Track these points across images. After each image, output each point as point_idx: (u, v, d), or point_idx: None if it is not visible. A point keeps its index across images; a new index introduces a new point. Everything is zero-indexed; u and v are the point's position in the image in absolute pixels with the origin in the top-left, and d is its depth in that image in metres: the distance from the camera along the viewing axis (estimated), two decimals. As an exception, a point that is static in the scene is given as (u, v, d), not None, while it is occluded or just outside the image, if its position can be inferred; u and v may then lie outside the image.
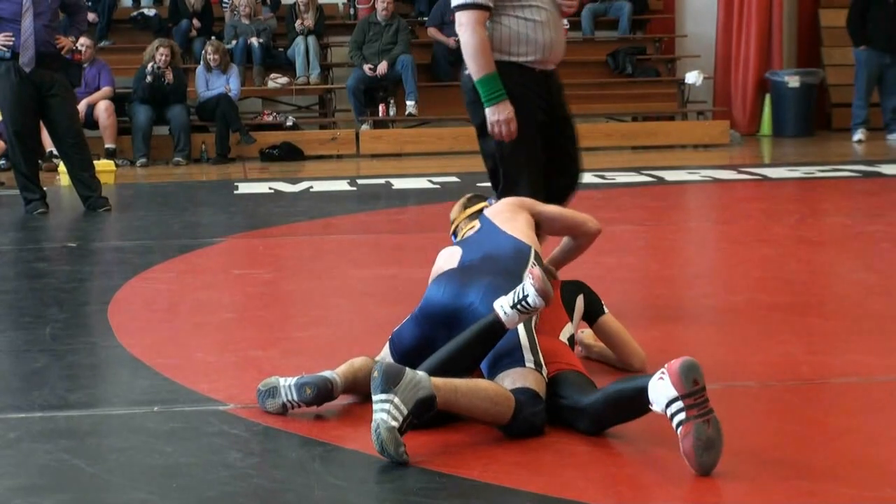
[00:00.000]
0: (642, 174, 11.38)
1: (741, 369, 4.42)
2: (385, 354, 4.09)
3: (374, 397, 3.44)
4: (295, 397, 3.87)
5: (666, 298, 5.85)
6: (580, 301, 4.29)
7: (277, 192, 10.59)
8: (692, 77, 14.87)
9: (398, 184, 11.10)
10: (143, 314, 5.71)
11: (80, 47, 9.51)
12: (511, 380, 3.67)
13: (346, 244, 7.91)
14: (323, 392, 3.87)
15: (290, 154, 13.64)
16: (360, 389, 3.96)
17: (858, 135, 14.42)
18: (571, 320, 4.20)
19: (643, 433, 3.67)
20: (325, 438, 3.66)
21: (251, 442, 3.68)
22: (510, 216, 4.40)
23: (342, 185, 11.06)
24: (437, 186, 10.78)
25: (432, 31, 14.89)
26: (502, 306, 3.69)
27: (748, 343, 4.91)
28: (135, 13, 15.35)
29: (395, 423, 3.39)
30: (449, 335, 3.84)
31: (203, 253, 7.43)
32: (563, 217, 4.62)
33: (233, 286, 6.44)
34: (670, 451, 3.48)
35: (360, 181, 11.40)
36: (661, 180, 10.96)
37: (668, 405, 3.32)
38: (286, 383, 3.90)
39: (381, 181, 11.35)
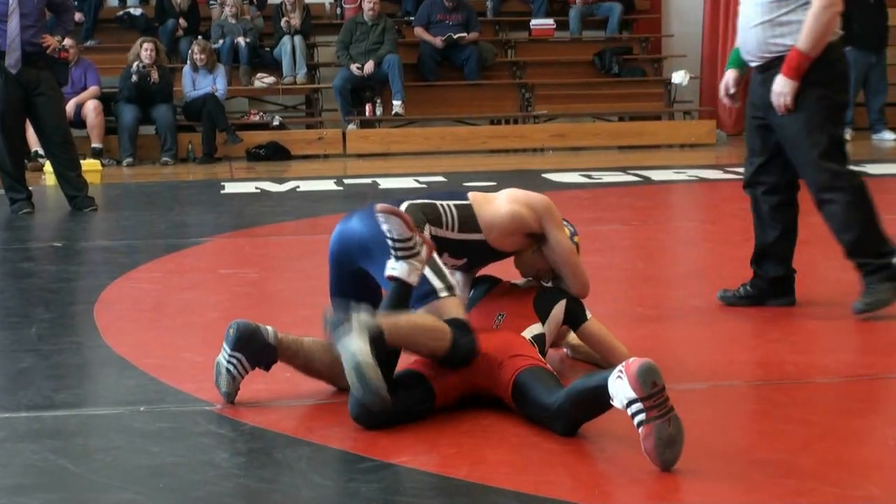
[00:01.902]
0: (629, 174, 11.40)
1: (727, 368, 4.43)
2: None
3: (336, 340, 3.59)
4: (227, 348, 3.98)
5: (652, 298, 5.86)
6: (559, 307, 4.26)
7: (264, 192, 10.58)
8: (678, 77, 14.89)
9: (385, 183, 11.10)
10: (129, 314, 5.70)
11: (65, 46, 9.47)
12: (438, 311, 3.84)
13: (333, 244, 7.90)
14: (245, 334, 4.00)
15: (276, 154, 13.63)
16: (310, 366, 4.09)
17: (844, 135, 14.43)
18: (542, 322, 4.19)
19: (628, 433, 3.68)
20: (312, 438, 3.66)
21: (238, 442, 3.68)
22: (494, 198, 4.31)
23: (329, 185, 11.06)
24: (424, 186, 10.78)
25: (419, 31, 14.89)
26: (390, 265, 3.80)
27: (734, 342, 4.93)
28: (121, 13, 15.33)
29: (370, 359, 3.53)
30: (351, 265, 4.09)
31: (190, 252, 7.42)
32: (564, 263, 4.33)
33: (219, 286, 6.44)
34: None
35: (346, 181, 11.40)
36: (647, 180, 10.98)
37: (627, 405, 3.35)
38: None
39: (368, 181, 11.35)
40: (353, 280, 4.16)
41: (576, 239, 4.40)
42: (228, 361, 4.00)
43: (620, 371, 3.37)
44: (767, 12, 5.10)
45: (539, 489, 3.24)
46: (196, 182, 12.01)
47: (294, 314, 5.57)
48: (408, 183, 11.00)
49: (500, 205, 4.26)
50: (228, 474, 3.38)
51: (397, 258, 3.82)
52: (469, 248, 4.25)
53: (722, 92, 5.50)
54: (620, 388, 3.36)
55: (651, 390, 3.30)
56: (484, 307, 4.26)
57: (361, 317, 3.62)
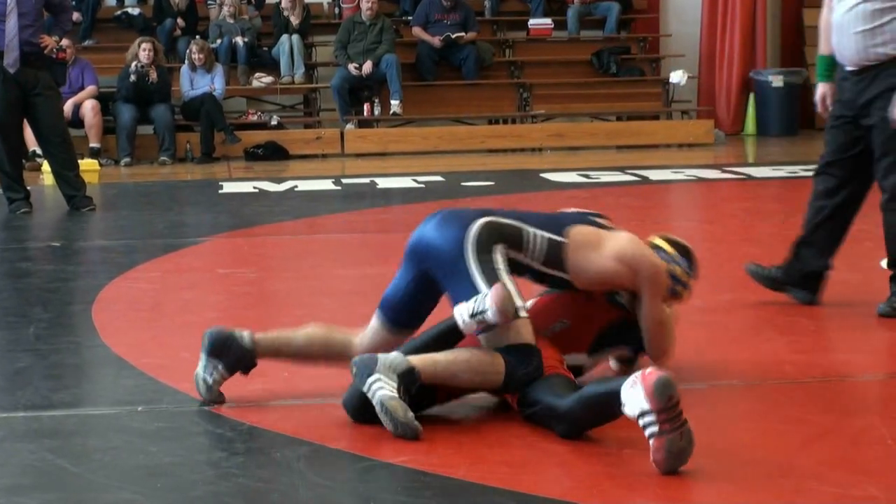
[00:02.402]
0: (627, 173, 11.39)
1: (726, 368, 4.43)
2: (372, 325, 4.07)
3: (363, 386, 3.60)
4: (203, 357, 3.98)
5: (651, 297, 5.85)
6: (617, 352, 4.16)
7: (262, 192, 10.58)
8: (676, 76, 14.88)
9: (383, 183, 11.10)
10: (127, 314, 5.70)
11: (63, 46, 9.46)
12: (498, 336, 3.71)
13: (331, 243, 7.91)
14: (219, 341, 3.98)
15: (274, 153, 13.62)
16: (302, 355, 4.08)
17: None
18: (590, 354, 4.06)
19: (628, 433, 3.67)
20: (310, 438, 3.66)
21: (236, 441, 3.68)
22: (597, 245, 3.95)
23: (327, 185, 11.05)
24: (422, 186, 10.78)
25: (417, 31, 14.89)
26: (462, 314, 3.69)
27: (733, 342, 4.92)
28: (119, 12, 15.31)
29: (394, 394, 3.55)
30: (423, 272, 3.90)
31: (188, 252, 7.42)
32: (650, 331, 4.07)
33: (217, 286, 6.44)
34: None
35: (344, 180, 11.39)
36: (645, 179, 10.97)
37: (640, 416, 3.32)
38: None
39: (366, 180, 11.34)
40: (420, 279, 3.95)
41: (679, 288, 4.12)
42: (205, 370, 4.00)
43: (636, 380, 3.33)
44: (867, 20, 5.10)
45: (537, 489, 3.24)
46: (194, 182, 12.00)
47: (292, 314, 5.57)
48: (406, 183, 11.00)
49: (602, 257, 3.92)
50: (227, 474, 3.38)
51: (471, 317, 3.66)
52: (550, 280, 4.02)
53: (820, 107, 5.46)
54: (635, 397, 3.32)
55: (667, 404, 3.27)
56: (554, 304, 4.08)
57: (389, 357, 3.64)
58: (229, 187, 11.03)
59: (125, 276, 6.57)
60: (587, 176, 11.16)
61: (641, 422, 3.32)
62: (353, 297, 5.97)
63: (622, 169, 11.75)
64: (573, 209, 4.26)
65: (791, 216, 8.67)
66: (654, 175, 11.25)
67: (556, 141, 14.41)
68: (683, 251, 4.14)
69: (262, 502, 3.20)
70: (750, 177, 11.09)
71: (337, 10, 15.79)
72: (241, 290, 6.22)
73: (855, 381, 4.22)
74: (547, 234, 3.92)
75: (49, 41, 9.17)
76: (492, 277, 3.73)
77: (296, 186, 10.85)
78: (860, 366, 4.48)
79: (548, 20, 15.69)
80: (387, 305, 4.04)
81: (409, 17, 15.28)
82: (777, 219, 8.57)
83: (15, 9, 8.92)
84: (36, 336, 5.11)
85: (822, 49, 5.44)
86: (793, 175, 11.08)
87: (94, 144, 13.20)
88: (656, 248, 4.10)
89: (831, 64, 5.38)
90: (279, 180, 11.30)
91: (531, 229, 3.92)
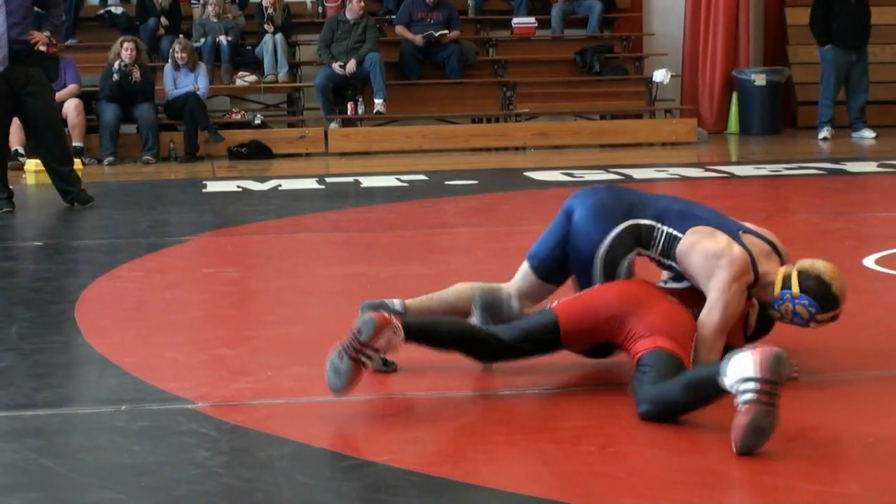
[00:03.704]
0: (610, 172, 11.41)
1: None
2: (522, 270, 4.46)
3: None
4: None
5: (634, 296, 5.86)
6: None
7: (246, 191, 10.57)
8: (660, 75, 14.91)
9: (367, 182, 11.10)
10: (110, 313, 5.69)
11: (53, 41, 9.40)
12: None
13: (315, 242, 7.91)
14: (372, 308, 4.23)
15: (258, 152, 13.61)
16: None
17: (824, 133, 14.50)
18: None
19: (612, 430, 3.69)
20: (294, 437, 3.66)
21: (220, 440, 3.68)
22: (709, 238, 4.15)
23: (311, 184, 11.05)
24: (406, 185, 10.78)
25: (400, 30, 14.89)
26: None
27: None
28: (102, 11, 15.28)
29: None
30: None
31: (171, 251, 7.41)
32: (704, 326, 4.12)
33: (201, 285, 6.43)
34: (638, 448, 3.50)
35: (328, 179, 11.39)
36: (628, 178, 10.99)
37: (742, 381, 3.39)
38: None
39: (350, 179, 11.34)
40: (565, 243, 4.34)
41: (812, 324, 4.15)
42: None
43: (748, 351, 3.41)
44: None
45: (521, 487, 3.25)
46: (178, 181, 11.98)
47: (276, 312, 5.57)
48: (390, 182, 11.00)
49: (695, 252, 4.14)
50: (210, 473, 3.38)
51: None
52: (670, 269, 4.30)
53: None
54: (742, 365, 3.40)
55: (774, 377, 3.36)
56: (693, 293, 4.21)
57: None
58: (213, 186, 11.01)
59: (109, 275, 6.56)
60: (571, 174, 11.17)
61: (741, 387, 3.38)
62: (337, 296, 5.97)
63: (606, 167, 11.76)
64: (753, 226, 4.37)
65: (774, 214, 8.70)
66: (637, 174, 11.27)
67: (539, 140, 14.43)
68: (815, 290, 4.10)
69: (246, 501, 3.20)
70: (733, 175, 11.11)
71: (320, 9, 15.78)
72: (224, 290, 6.21)
73: (834, 380, 4.23)
74: (670, 230, 4.20)
75: (39, 36, 9.13)
76: None
77: (279, 185, 10.85)
78: (840, 365, 4.49)
79: (531, 19, 15.70)
80: (534, 256, 4.44)
81: (393, 16, 15.28)
82: (759, 217, 8.56)
83: (3, 6, 8.88)
84: (19, 335, 5.10)
85: None
86: (775, 174, 11.12)
87: (76, 144, 13.15)
88: (785, 285, 4.12)
89: None
90: (263, 179, 11.29)
91: (662, 227, 4.22)
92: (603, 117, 15.38)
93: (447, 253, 7.29)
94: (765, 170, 11.43)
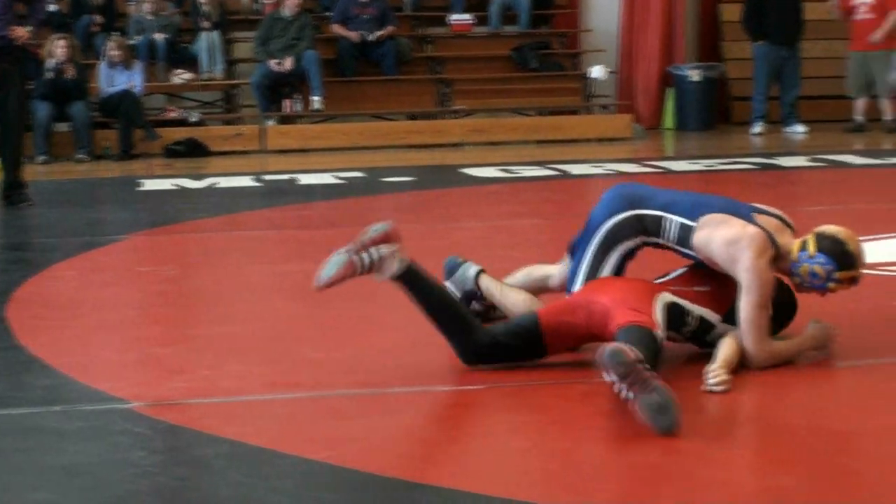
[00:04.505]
0: (547, 168, 11.46)
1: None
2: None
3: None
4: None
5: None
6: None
7: (182, 189, 10.50)
8: (596, 71, 14.99)
9: (304, 179, 11.06)
10: (43, 313, 5.63)
11: (36, 41, 9.17)
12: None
13: (252, 240, 7.88)
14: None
15: (194, 150, 13.53)
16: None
17: (757, 128, 14.64)
18: (721, 319, 4.32)
19: (550, 427, 3.71)
20: (231, 435, 3.64)
21: (155, 440, 3.66)
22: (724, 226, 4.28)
23: (248, 182, 11.00)
24: (344, 182, 10.77)
25: (337, 28, 14.86)
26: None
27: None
28: (35, 8, 15.10)
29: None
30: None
31: (106, 250, 7.35)
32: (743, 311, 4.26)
33: (136, 284, 6.38)
34: (574, 444, 3.52)
35: (265, 177, 11.34)
36: (565, 174, 11.04)
37: (612, 385, 3.56)
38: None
39: (287, 177, 11.30)
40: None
41: (831, 285, 4.28)
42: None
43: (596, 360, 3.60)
44: None
45: (457, 483, 3.25)
46: (113, 179, 11.88)
47: (212, 311, 5.55)
48: (327, 179, 10.98)
49: (715, 239, 4.28)
50: (145, 473, 3.35)
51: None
52: (687, 256, 4.46)
53: None
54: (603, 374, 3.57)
55: (624, 370, 3.51)
56: (701, 272, 4.41)
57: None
58: (149, 185, 10.93)
59: (42, 274, 6.49)
60: (508, 171, 11.20)
61: (616, 391, 3.54)
62: (274, 294, 5.96)
63: (542, 164, 11.81)
64: (762, 205, 4.49)
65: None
66: (574, 169, 11.32)
67: (476, 136, 14.45)
68: (830, 248, 4.25)
69: (182, 501, 3.19)
70: (668, 170, 11.19)
71: (257, 6, 15.71)
72: (160, 288, 6.17)
73: (770, 374, 4.27)
74: (680, 219, 4.36)
75: (20, 32, 8.95)
76: (591, 276, 4.47)
77: (216, 183, 10.79)
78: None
79: (468, 16, 15.72)
80: (572, 242, 4.67)
81: (330, 13, 15.23)
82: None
83: None
84: (-50, 337, 5.04)
85: None
86: (710, 169, 11.21)
87: (9, 142, 13.01)
88: (803, 248, 4.27)
89: None
90: (199, 177, 11.23)
91: (670, 216, 4.38)
92: (540, 113, 15.43)
93: (384, 250, 7.27)
94: (699, 165, 11.52)
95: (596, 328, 4.18)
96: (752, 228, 4.27)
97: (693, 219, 4.34)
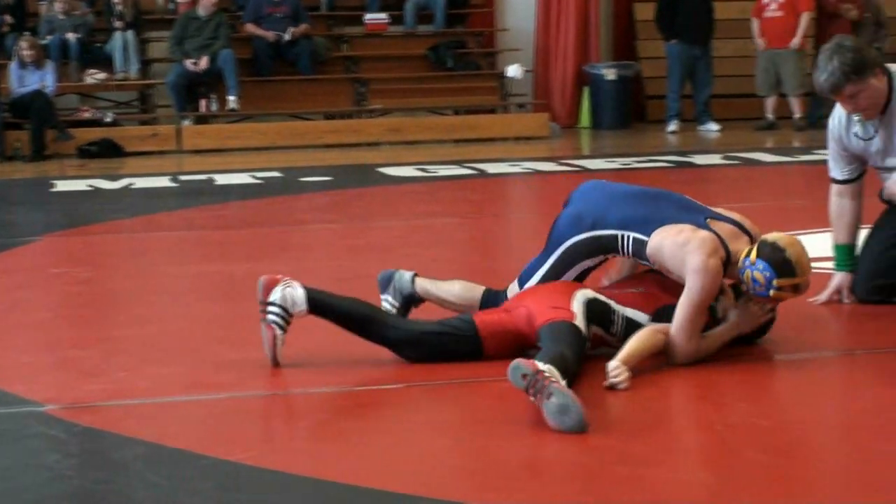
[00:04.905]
0: (464, 167, 11.48)
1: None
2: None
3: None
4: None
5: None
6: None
7: (97, 190, 10.39)
8: (512, 70, 15.05)
9: (221, 179, 10.99)
10: (-44, 316, 5.55)
11: None
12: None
13: (169, 241, 7.81)
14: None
15: (109, 151, 13.39)
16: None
17: (672, 126, 14.79)
18: (650, 318, 4.39)
19: (468, 425, 3.72)
20: (148, 437, 3.61)
21: (70, 443, 3.62)
22: (690, 247, 4.29)
23: (164, 182, 10.91)
24: (261, 181, 10.72)
25: (250, 27, 14.78)
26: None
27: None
28: (-57, 7, 14.88)
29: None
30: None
31: (18, 252, 7.25)
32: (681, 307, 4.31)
33: (50, 285, 6.31)
34: (493, 440, 3.54)
35: (182, 177, 11.26)
36: (482, 173, 11.07)
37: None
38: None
39: (204, 177, 11.22)
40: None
41: (772, 293, 4.27)
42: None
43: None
44: None
45: (375, 482, 3.25)
46: (25, 180, 11.72)
47: (128, 313, 5.50)
48: (244, 179, 10.92)
49: (667, 244, 4.35)
50: (60, 476, 3.32)
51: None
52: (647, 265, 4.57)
53: (834, 297, 5.25)
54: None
55: (525, 382, 3.63)
56: (644, 277, 4.58)
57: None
58: (62, 185, 10.80)
59: (-47, 277, 6.40)
60: (425, 170, 11.21)
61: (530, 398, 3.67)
62: (191, 294, 5.92)
63: (459, 163, 11.83)
64: (721, 210, 4.55)
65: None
66: (491, 168, 11.36)
67: (393, 135, 14.45)
68: (769, 255, 4.25)
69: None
70: (585, 169, 11.26)
71: (171, 6, 15.57)
72: (75, 290, 6.10)
73: (685, 371, 4.31)
74: (634, 234, 4.45)
75: None
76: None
77: (132, 184, 10.69)
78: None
79: (383, 15, 15.70)
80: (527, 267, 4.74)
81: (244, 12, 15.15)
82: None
83: None
84: None
85: (838, 238, 5.29)
86: (626, 167, 11.30)
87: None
88: (746, 255, 4.30)
89: (850, 252, 5.26)
90: (114, 178, 11.11)
91: (625, 233, 4.47)
92: (456, 112, 15.46)
93: (302, 250, 7.26)
94: (616, 163, 11.61)
95: (524, 331, 4.31)
96: (702, 232, 4.33)
97: (647, 234, 4.42)
